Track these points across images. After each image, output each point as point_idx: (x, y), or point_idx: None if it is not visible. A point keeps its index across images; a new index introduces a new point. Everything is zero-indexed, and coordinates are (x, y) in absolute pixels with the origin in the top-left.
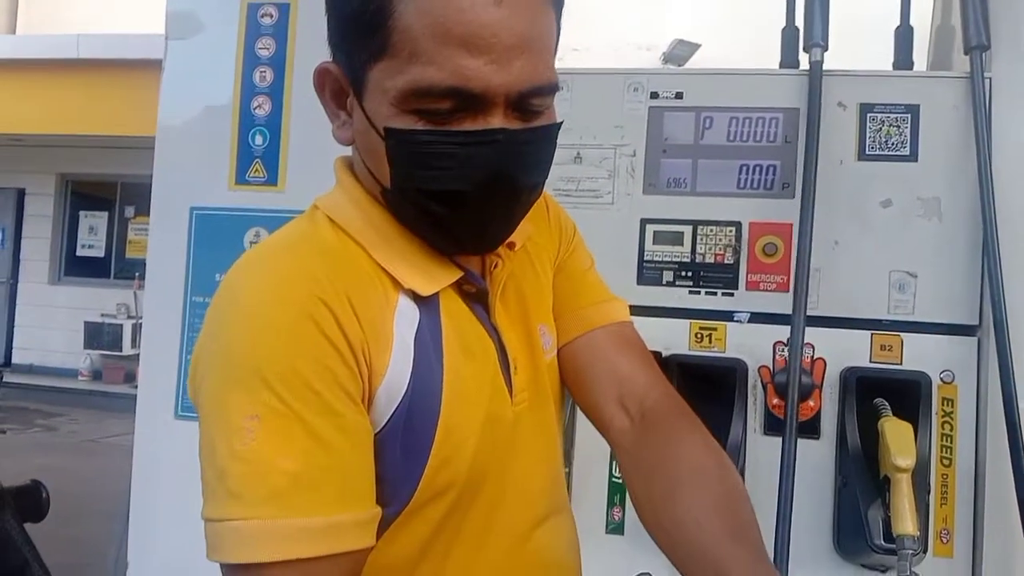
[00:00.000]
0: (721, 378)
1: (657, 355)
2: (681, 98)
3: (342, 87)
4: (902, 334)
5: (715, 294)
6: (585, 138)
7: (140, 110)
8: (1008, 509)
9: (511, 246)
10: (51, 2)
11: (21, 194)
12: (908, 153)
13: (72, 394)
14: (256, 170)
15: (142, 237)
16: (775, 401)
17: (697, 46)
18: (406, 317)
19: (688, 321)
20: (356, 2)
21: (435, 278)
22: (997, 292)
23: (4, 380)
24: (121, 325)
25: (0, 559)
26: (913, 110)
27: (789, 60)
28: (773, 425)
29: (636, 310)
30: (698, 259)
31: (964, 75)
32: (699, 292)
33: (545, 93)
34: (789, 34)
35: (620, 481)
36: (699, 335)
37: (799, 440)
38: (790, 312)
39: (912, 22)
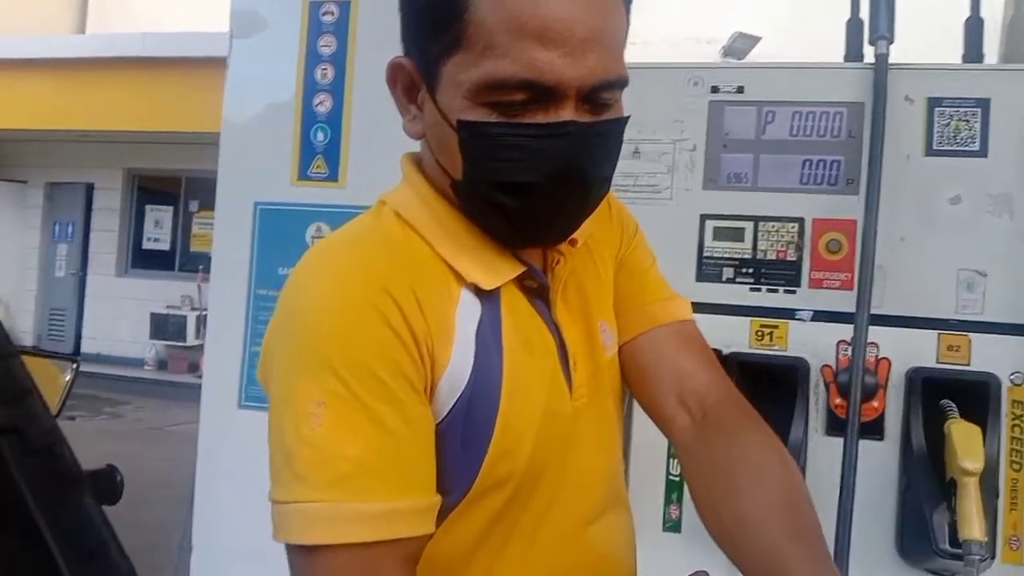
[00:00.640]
0: (782, 377)
1: (717, 353)
2: (742, 92)
3: (414, 82)
4: (970, 334)
5: (776, 291)
6: (644, 133)
7: (204, 106)
8: None
9: (573, 243)
10: (118, 2)
11: (90, 188)
12: (978, 148)
13: (138, 383)
14: (318, 166)
15: (206, 231)
16: (837, 401)
17: (757, 39)
18: (468, 311)
19: (749, 319)
20: None
21: (498, 273)
22: None
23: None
24: (185, 316)
25: (80, 539)
26: (983, 104)
27: (854, 53)
28: (835, 425)
29: (695, 307)
30: (759, 256)
31: None
32: (760, 289)
33: (616, 87)
34: (854, 26)
35: (678, 479)
36: (760, 333)
37: (862, 441)
38: (853, 310)
39: (982, 14)
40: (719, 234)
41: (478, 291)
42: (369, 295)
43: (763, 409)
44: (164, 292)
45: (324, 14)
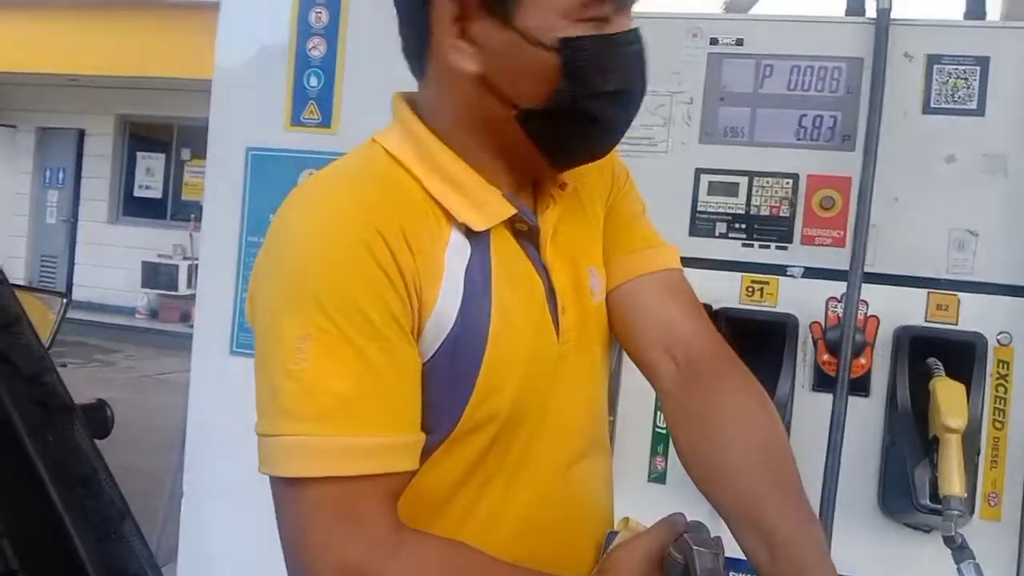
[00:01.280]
0: (771, 333)
1: (707, 308)
2: (741, 45)
3: (464, 14)
4: (959, 294)
5: (768, 247)
6: None
7: (197, 52)
8: None
9: (563, 186)
10: None
11: (81, 135)
12: (975, 107)
13: (129, 331)
14: (311, 112)
15: (198, 180)
16: (825, 358)
17: None
18: (457, 251)
19: (740, 274)
20: None
21: (489, 214)
22: None
23: (66, 315)
24: (177, 266)
25: (72, 467)
26: (983, 62)
27: (855, 7)
28: (822, 382)
29: (687, 262)
30: (753, 211)
31: None
32: (752, 245)
33: None
34: None
35: (664, 431)
36: (750, 289)
37: (848, 398)
38: (845, 268)
39: None
40: (714, 188)
41: (468, 232)
42: (358, 232)
43: (751, 365)
44: (156, 240)
45: None
